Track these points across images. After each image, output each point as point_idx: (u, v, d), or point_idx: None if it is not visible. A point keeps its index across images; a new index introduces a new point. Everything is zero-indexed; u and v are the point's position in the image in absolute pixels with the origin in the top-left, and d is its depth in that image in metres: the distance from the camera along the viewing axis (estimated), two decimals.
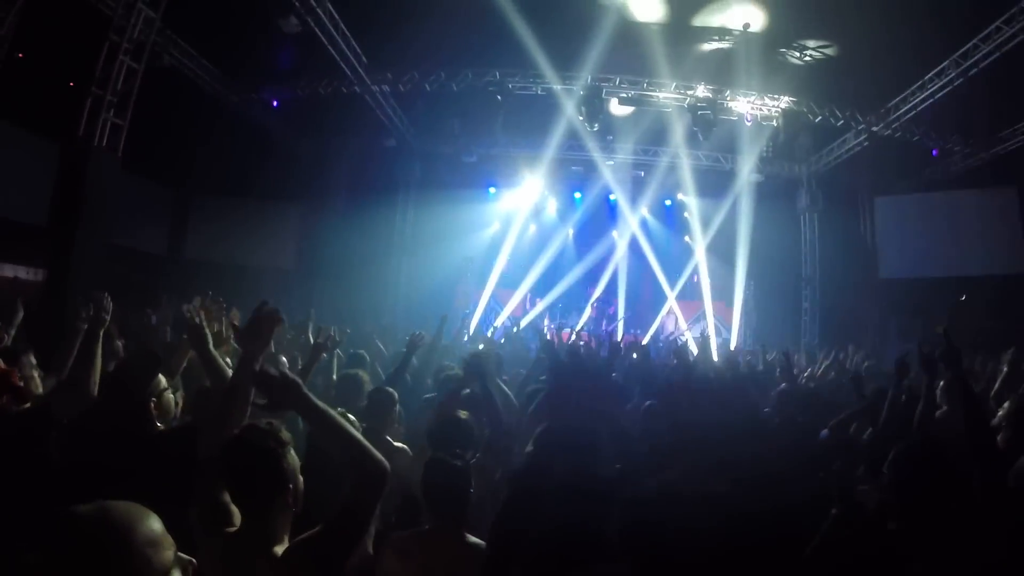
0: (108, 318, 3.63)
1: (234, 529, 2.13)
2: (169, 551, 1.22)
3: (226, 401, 2.39)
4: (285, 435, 2.18)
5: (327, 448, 2.08)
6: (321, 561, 1.98)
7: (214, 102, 13.20)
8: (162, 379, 3.19)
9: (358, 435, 2.02)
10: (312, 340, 5.68)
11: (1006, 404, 4.31)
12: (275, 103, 14.26)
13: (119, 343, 5.89)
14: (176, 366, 3.74)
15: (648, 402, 4.76)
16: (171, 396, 3.28)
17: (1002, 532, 2.27)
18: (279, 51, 12.32)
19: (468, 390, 4.44)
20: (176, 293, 9.90)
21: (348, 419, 2.30)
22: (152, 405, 3.09)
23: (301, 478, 2.16)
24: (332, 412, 2.04)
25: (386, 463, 2.01)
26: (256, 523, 2.08)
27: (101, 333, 3.56)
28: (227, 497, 2.16)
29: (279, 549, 2.03)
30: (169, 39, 11.89)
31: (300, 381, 2.01)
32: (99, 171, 9.17)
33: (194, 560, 1.28)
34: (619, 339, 13.58)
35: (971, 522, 2.30)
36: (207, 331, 2.87)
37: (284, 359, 5.51)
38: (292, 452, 2.16)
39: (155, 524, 1.22)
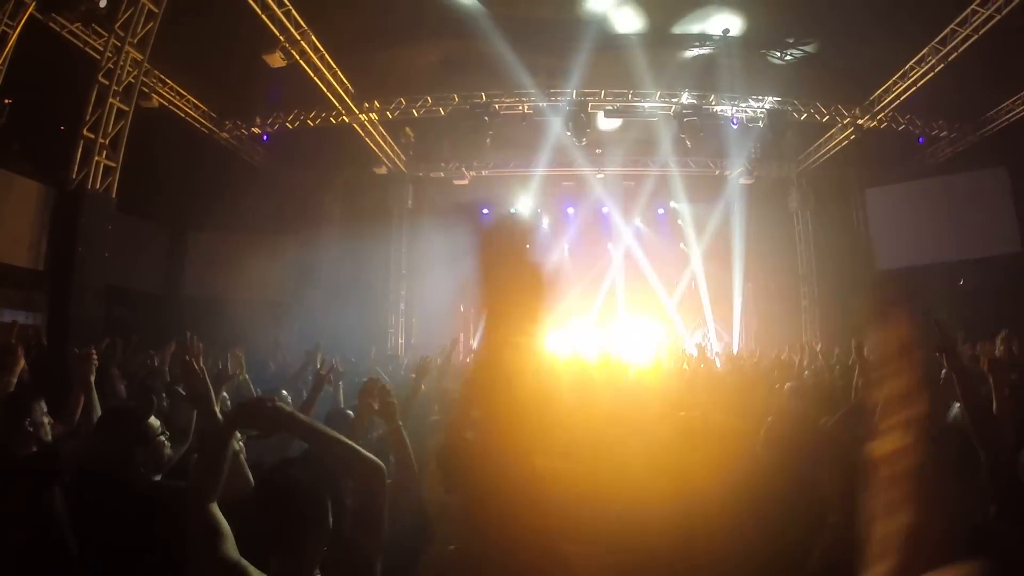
0: (94, 366, 3.81)
1: None
2: None
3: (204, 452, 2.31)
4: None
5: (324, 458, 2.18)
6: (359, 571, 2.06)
7: (205, 139, 13.29)
8: (155, 422, 3.06)
9: (347, 441, 2.14)
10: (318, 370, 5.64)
11: None
12: (265, 137, 14.38)
13: (122, 386, 5.84)
14: None
15: None
16: (164, 441, 3.10)
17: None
18: (266, 86, 12.43)
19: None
20: (179, 333, 9.82)
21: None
22: (142, 451, 2.95)
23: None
24: (321, 426, 2.17)
25: (379, 461, 2.11)
26: (289, 562, 2.00)
27: (92, 380, 3.71)
28: (234, 553, 1.97)
29: None
30: (158, 79, 12.02)
31: (279, 403, 2.10)
32: (94, 214, 9.20)
33: None
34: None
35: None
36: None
37: (285, 393, 5.36)
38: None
39: None
